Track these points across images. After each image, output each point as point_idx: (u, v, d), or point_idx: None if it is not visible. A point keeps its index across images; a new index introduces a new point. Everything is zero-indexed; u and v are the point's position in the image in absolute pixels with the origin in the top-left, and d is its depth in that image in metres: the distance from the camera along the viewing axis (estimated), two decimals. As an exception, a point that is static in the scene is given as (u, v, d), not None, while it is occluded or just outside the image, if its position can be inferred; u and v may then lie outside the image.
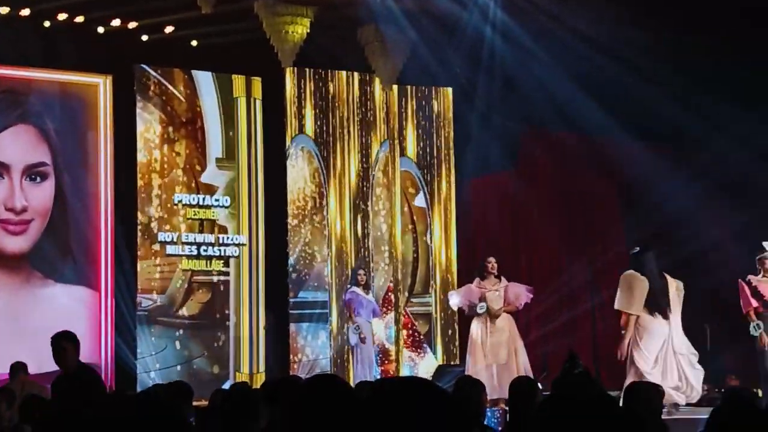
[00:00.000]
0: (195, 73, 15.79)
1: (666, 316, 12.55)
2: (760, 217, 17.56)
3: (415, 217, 17.18)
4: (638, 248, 12.97)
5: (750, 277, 13.58)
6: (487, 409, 12.38)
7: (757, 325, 13.20)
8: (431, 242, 17.11)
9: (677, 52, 16.22)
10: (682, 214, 18.25)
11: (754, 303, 13.37)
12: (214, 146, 15.79)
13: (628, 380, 11.92)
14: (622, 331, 12.74)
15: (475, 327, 13.99)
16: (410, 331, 16.85)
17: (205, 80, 15.86)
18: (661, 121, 17.12)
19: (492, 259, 14.20)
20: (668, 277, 12.89)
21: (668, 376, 12.30)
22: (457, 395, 7.01)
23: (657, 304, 12.57)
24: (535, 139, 18.12)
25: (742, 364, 14.76)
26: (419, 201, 17.18)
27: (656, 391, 6.88)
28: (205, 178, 15.70)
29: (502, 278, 14.14)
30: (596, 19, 16.02)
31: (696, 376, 12.65)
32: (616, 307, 12.90)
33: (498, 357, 13.75)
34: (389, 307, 16.57)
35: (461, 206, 17.38)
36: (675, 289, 12.80)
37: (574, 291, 18.20)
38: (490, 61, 17.09)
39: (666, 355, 12.48)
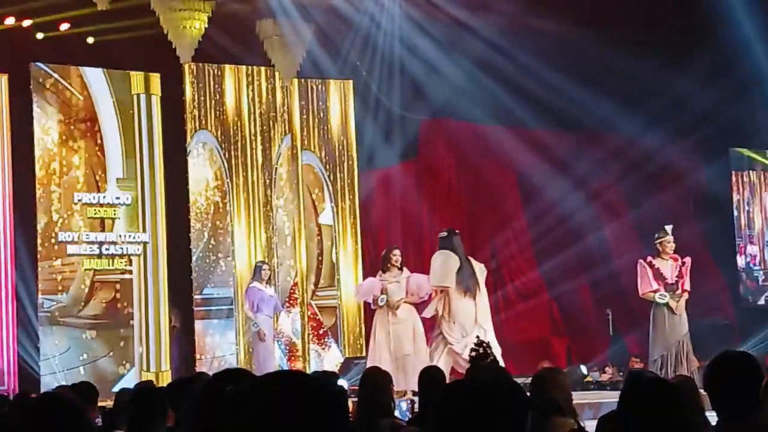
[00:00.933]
0: (90, 70, 15.58)
1: (473, 297, 13.06)
2: (667, 201, 17.90)
3: (318, 217, 17.17)
4: (446, 232, 13.45)
5: (650, 258, 13.81)
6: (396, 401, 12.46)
7: (662, 294, 13.48)
8: (336, 235, 17.10)
9: (579, 41, 16.42)
10: (585, 203, 18.51)
11: (655, 285, 13.61)
12: (113, 144, 15.61)
13: (437, 355, 12.85)
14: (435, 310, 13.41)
15: (377, 319, 14.03)
16: (315, 325, 16.84)
17: (100, 78, 15.66)
18: (566, 109, 17.32)
19: (397, 252, 14.24)
20: (473, 260, 13.42)
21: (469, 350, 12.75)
22: (365, 387, 7.03)
23: (465, 284, 13.05)
24: (436, 130, 18.23)
25: (644, 347, 15.01)
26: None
27: (567, 377, 6.98)
28: (108, 178, 15.54)
29: (405, 269, 14.18)
30: (498, 10, 16.17)
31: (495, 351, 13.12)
32: (431, 284, 13.42)
33: (401, 348, 13.79)
34: (296, 302, 16.55)
35: (364, 197, 17.41)
36: (479, 271, 13.31)
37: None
38: (389, 53, 17.16)
39: (472, 331, 12.96)
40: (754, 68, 17.77)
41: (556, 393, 6.35)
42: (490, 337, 13.14)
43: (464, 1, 16.31)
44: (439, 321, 13.26)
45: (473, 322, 13.17)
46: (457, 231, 13.60)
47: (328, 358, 16.71)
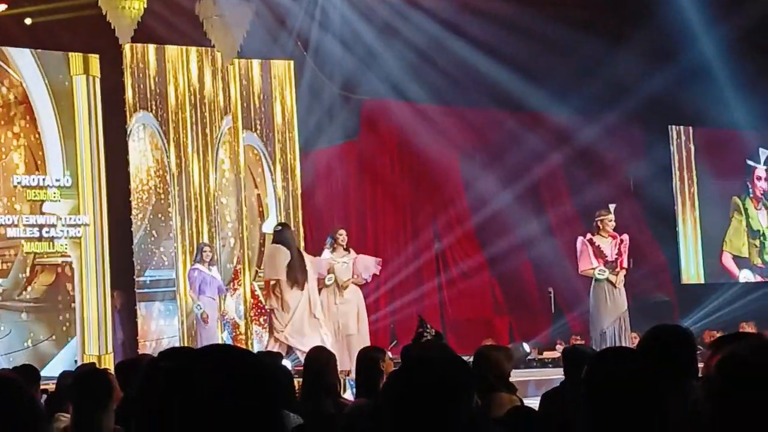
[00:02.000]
0: (19, 51, 15.38)
1: (302, 287, 13.52)
2: (608, 180, 18.05)
3: (261, 198, 17.12)
4: (279, 226, 14.16)
5: (589, 236, 13.92)
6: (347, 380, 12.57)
7: (602, 270, 13.61)
8: (279, 215, 17.06)
9: (522, 21, 16.49)
10: (527, 182, 18.60)
11: (595, 262, 13.73)
12: (49, 126, 15.43)
13: (271, 340, 13.59)
14: (266, 301, 14.10)
15: (323, 298, 14.09)
16: (256, 306, 16.81)
17: (30, 59, 15.45)
18: (508, 90, 17.39)
19: (342, 231, 14.32)
20: (304, 253, 14.05)
21: (307, 338, 13.24)
22: (309, 367, 7.05)
23: (295, 276, 13.46)
24: (377, 110, 18.23)
25: (585, 325, 15.14)
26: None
27: (505, 354, 7.04)
28: (47, 160, 15.39)
29: (351, 250, 14.25)
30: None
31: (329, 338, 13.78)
32: (264, 276, 14.13)
33: (347, 327, 13.90)
34: (240, 283, 16.51)
35: (306, 178, 17.39)
36: (310, 262, 13.83)
37: (421, 262, 18.42)
38: (331, 33, 17.13)
39: (304, 319, 13.51)
40: (694, 47, 17.93)
41: (496, 369, 6.40)
42: (323, 325, 13.74)
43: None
44: (272, 313, 13.67)
45: (305, 312, 13.61)
46: (289, 225, 14.38)
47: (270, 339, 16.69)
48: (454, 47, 17.04)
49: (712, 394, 2.04)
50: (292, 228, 17.00)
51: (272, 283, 13.64)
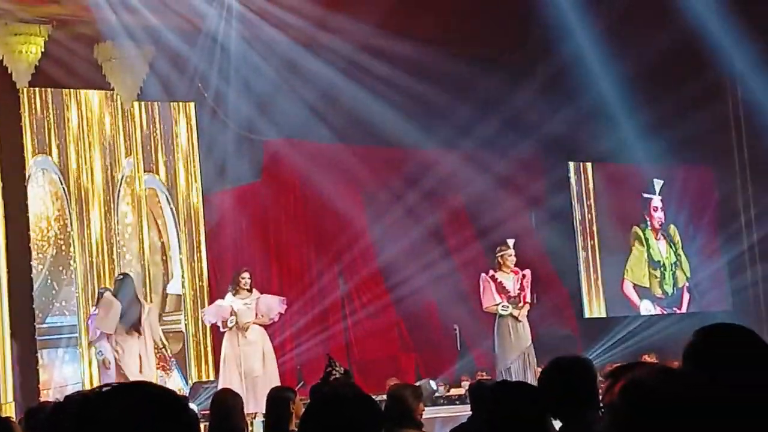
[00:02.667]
0: None
1: (138, 334, 14.13)
2: (509, 215, 18.20)
3: (163, 241, 17.00)
4: (121, 275, 14.86)
5: (492, 272, 14.06)
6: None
7: (505, 306, 13.74)
8: (181, 255, 16.93)
9: (424, 60, 16.64)
10: (430, 220, 18.70)
11: (498, 298, 13.86)
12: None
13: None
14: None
15: (227, 341, 14.03)
16: (157, 350, 16.61)
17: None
18: (408, 130, 17.52)
19: (246, 274, 14.26)
20: (143, 301, 14.65)
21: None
22: (215, 409, 7.00)
23: (131, 323, 14.07)
24: (280, 149, 18.19)
25: (491, 361, 15.22)
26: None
27: (412, 391, 7.09)
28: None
29: (254, 291, 14.20)
30: (343, 30, 16.29)
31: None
32: (96, 325, 14.47)
33: (252, 370, 13.82)
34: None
35: (209, 220, 17.29)
36: (148, 311, 14.50)
37: (326, 302, 18.39)
38: (233, 75, 17.09)
39: (138, 365, 14.08)
40: (593, 84, 18.20)
41: (401, 406, 6.45)
42: (153, 367, 14.48)
43: (309, 22, 16.36)
44: (117, 362, 14.07)
45: (139, 359, 14.11)
46: (130, 274, 14.92)
47: (170, 383, 16.52)
48: (355, 86, 17.12)
49: (616, 421, 2.06)
50: (195, 269, 16.95)
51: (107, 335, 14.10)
